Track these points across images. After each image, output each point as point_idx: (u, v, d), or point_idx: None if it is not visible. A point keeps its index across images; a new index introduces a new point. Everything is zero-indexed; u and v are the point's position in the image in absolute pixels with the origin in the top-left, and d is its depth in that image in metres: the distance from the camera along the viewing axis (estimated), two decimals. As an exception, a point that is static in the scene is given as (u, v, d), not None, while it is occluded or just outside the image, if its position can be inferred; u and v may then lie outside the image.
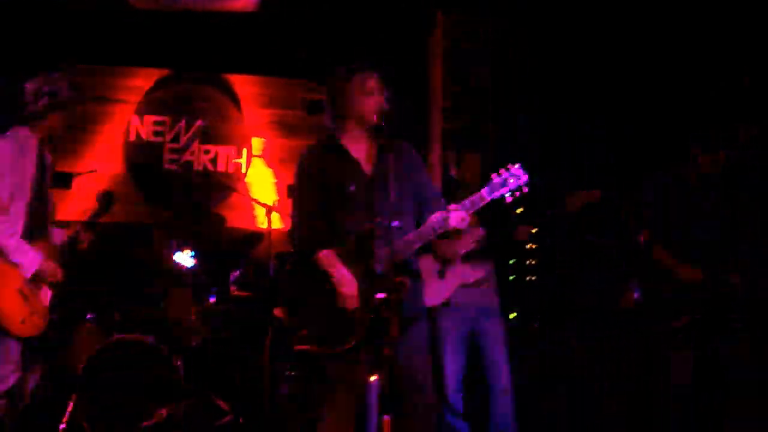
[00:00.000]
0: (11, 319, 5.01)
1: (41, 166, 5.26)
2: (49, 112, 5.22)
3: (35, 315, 5.14)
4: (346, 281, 4.61)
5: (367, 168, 4.80)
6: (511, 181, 4.65)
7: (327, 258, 4.66)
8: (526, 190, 4.68)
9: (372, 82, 4.77)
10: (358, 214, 4.69)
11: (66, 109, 5.28)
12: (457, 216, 4.63)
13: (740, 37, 7.81)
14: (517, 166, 4.70)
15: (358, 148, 4.83)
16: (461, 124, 8.62)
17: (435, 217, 4.67)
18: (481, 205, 4.69)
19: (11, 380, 5.05)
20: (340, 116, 4.84)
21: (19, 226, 5.11)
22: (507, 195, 4.68)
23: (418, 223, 4.81)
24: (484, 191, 4.67)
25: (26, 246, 5.07)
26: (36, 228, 5.20)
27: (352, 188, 4.72)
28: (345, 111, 4.82)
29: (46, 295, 5.26)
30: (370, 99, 4.74)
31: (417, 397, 4.64)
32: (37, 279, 5.16)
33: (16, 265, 5.04)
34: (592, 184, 6.35)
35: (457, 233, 4.70)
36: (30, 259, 5.08)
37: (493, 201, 4.71)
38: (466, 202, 4.69)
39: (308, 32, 8.81)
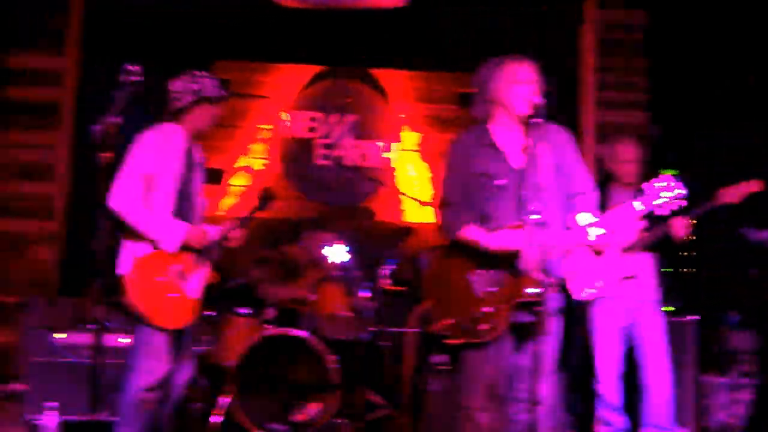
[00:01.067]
0: (157, 311, 5.04)
1: (189, 162, 5.30)
2: (194, 107, 5.26)
3: (181, 307, 5.17)
4: (502, 238, 4.46)
5: (517, 160, 4.63)
6: (665, 194, 4.34)
7: (472, 230, 4.55)
8: (682, 203, 4.38)
9: (524, 71, 4.61)
10: (506, 208, 4.55)
11: (211, 105, 5.31)
12: (602, 237, 4.46)
13: None
14: (672, 177, 4.38)
15: (509, 139, 4.67)
16: (615, 117, 8.43)
17: (579, 223, 4.51)
18: (630, 217, 4.44)
19: (159, 373, 5.09)
20: (488, 103, 4.69)
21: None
22: (658, 208, 4.39)
23: (570, 217, 4.65)
24: (635, 203, 4.41)
25: (166, 220, 5.09)
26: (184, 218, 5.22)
27: (501, 182, 4.58)
28: (495, 99, 4.67)
29: (195, 287, 5.26)
30: (522, 88, 4.57)
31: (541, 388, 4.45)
32: (182, 263, 5.18)
33: (163, 247, 5.07)
34: (752, 175, 6.05)
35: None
36: (172, 230, 5.08)
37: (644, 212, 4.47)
38: (613, 213, 4.49)
39: (459, 25, 8.69)
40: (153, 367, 5.07)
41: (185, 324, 5.19)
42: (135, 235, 5.04)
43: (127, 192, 4.98)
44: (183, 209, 5.24)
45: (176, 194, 5.18)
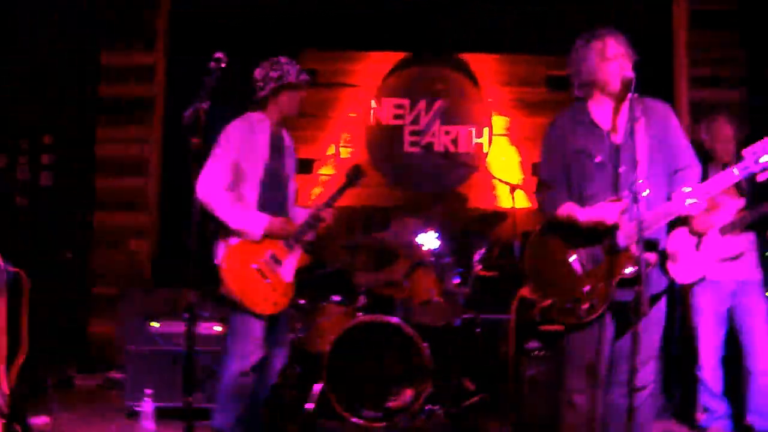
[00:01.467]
0: (251, 297, 5.10)
1: (276, 148, 5.37)
2: (277, 94, 5.31)
3: (276, 292, 5.22)
4: (596, 209, 4.41)
5: (615, 137, 4.55)
6: (766, 158, 4.24)
7: (569, 207, 4.51)
8: None
9: (612, 47, 4.51)
10: (605, 185, 4.48)
11: (294, 90, 5.35)
12: (697, 206, 4.33)
13: None
14: None
15: (606, 116, 4.60)
16: (710, 94, 8.25)
17: (679, 195, 4.37)
18: (730, 184, 4.35)
19: (254, 358, 5.13)
20: (584, 84, 4.61)
21: (251, 204, 5.23)
22: (760, 173, 4.30)
23: (670, 194, 4.53)
24: (734, 169, 4.31)
25: (248, 211, 5.16)
26: (271, 209, 5.27)
27: (599, 159, 4.51)
28: (587, 79, 4.58)
29: (289, 271, 5.31)
30: (611, 64, 4.49)
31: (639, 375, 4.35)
32: (275, 248, 5.24)
33: (247, 237, 5.15)
34: None
35: (713, 205, 4.38)
36: (254, 221, 5.15)
37: (744, 179, 4.40)
38: (712, 181, 4.35)
39: (547, 7, 8.60)
40: (249, 352, 5.12)
41: (280, 309, 5.24)
42: (223, 224, 5.14)
43: (212, 182, 5.06)
44: (273, 195, 5.31)
45: (264, 182, 5.25)
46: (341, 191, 5.48)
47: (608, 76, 4.49)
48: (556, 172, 4.63)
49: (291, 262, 5.33)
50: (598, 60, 4.51)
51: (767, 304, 6.14)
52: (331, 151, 8.59)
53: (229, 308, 5.19)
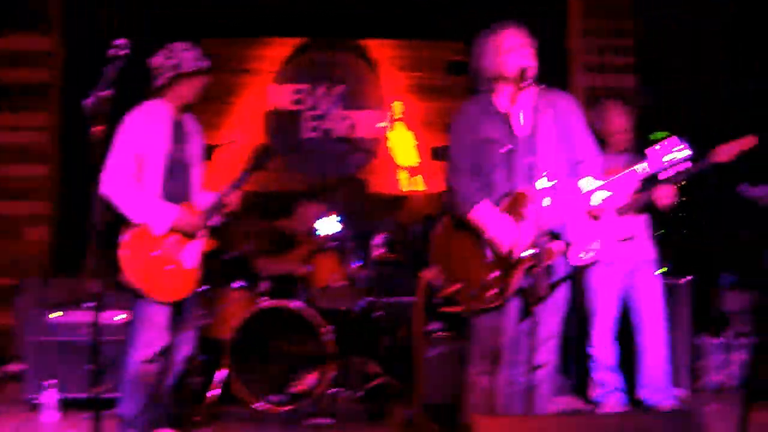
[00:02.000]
0: (152, 284, 5.07)
1: (178, 135, 5.32)
2: (175, 82, 5.24)
3: (178, 279, 5.19)
4: (505, 230, 4.55)
5: (522, 127, 4.68)
6: (668, 157, 4.41)
7: (483, 211, 4.60)
8: (688, 164, 4.44)
9: (509, 39, 4.65)
10: (513, 175, 4.61)
11: (192, 78, 5.27)
12: (605, 199, 4.52)
13: None
14: (677, 140, 4.43)
15: (511, 107, 4.72)
16: (603, 81, 8.44)
17: (583, 188, 4.55)
18: (633, 180, 4.50)
19: (157, 345, 5.11)
20: (488, 79, 4.74)
21: (155, 194, 5.18)
22: (662, 172, 4.47)
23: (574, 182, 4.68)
24: (638, 167, 4.46)
25: (156, 204, 5.12)
26: (175, 197, 5.23)
27: (505, 149, 4.62)
28: (490, 73, 4.72)
29: (192, 257, 5.28)
30: (509, 56, 4.62)
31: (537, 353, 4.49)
32: (177, 234, 5.21)
33: (149, 227, 5.11)
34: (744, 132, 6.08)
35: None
36: (159, 216, 5.11)
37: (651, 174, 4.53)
38: (617, 179, 4.52)
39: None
40: (152, 339, 5.10)
41: (184, 295, 5.21)
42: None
43: (114, 177, 5.01)
44: (176, 183, 5.27)
45: (166, 170, 5.21)
46: (248, 173, 5.46)
47: (506, 67, 4.62)
48: (465, 162, 4.72)
49: (195, 248, 5.30)
50: (496, 53, 4.65)
51: (660, 284, 6.33)
52: (230, 137, 8.57)
53: (131, 296, 5.12)
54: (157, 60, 5.23)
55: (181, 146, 5.33)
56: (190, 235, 5.25)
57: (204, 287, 6.46)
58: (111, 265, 5.00)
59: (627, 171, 4.50)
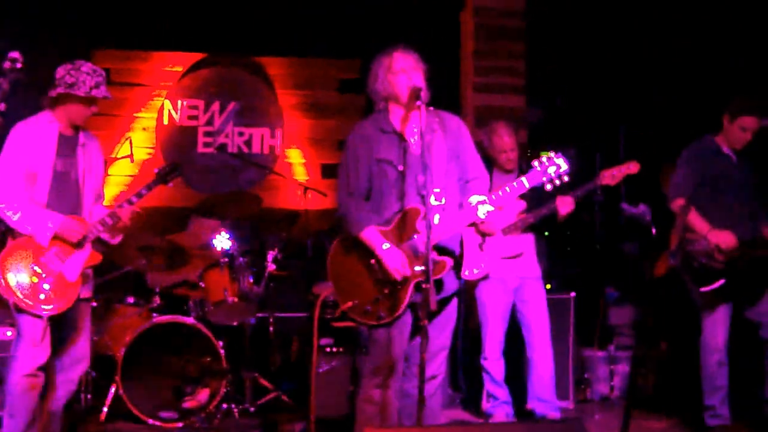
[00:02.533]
0: (27, 296, 5.01)
1: (66, 149, 5.29)
2: (65, 100, 5.22)
3: (55, 292, 5.10)
4: (393, 256, 4.67)
5: (413, 146, 4.81)
6: (552, 169, 4.68)
7: (372, 235, 4.72)
8: (566, 179, 4.72)
9: (399, 61, 4.82)
10: (405, 192, 4.74)
11: (81, 103, 5.23)
12: (491, 213, 4.70)
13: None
14: (558, 154, 4.72)
15: (404, 127, 4.86)
16: (493, 99, 8.60)
17: (473, 204, 4.70)
18: (520, 192, 4.74)
19: (39, 360, 5.06)
20: (382, 98, 4.90)
21: (39, 205, 5.15)
22: (547, 184, 4.72)
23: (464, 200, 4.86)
24: (524, 179, 4.70)
25: (38, 214, 5.07)
26: (61, 210, 5.17)
27: (400, 167, 4.76)
28: (382, 94, 4.88)
29: (73, 270, 5.19)
30: (399, 77, 4.78)
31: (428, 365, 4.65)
32: (61, 243, 5.14)
33: (31, 238, 5.07)
34: (628, 156, 6.36)
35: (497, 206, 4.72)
36: (43, 225, 5.06)
37: (532, 188, 4.76)
38: (504, 190, 4.72)
39: (341, 12, 8.78)
40: (34, 354, 5.03)
41: (60, 310, 5.11)
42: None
43: (1, 190, 5.03)
44: (63, 196, 5.24)
45: (53, 183, 5.19)
46: (149, 188, 5.45)
47: (397, 89, 4.78)
48: (359, 182, 4.85)
49: (77, 261, 5.22)
50: (387, 74, 4.81)
51: (545, 297, 6.53)
52: (125, 151, 8.46)
53: (13, 309, 5.04)
54: (60, 71, 5.20)
55: (68, 160, 5.30)
56: (74, 245, 5.18)
57: (95, 303, 6.49)
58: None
59: (512, 184, 4.70)
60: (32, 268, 5.06)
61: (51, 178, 5.18)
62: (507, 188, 4.71)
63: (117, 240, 5.51)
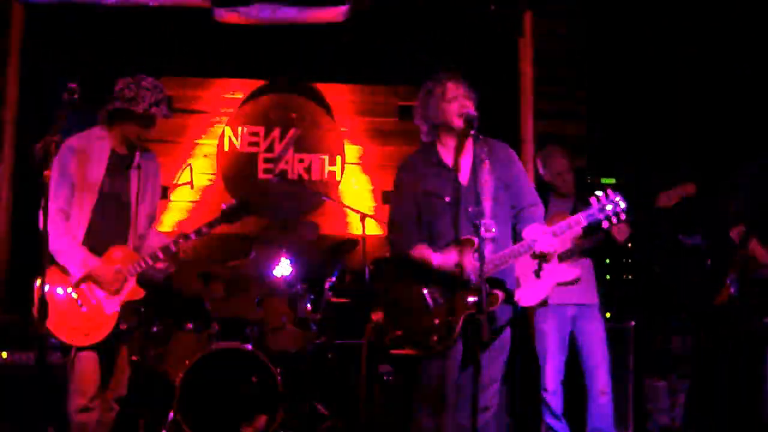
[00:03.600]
0: (61, 325, 4.90)
1: (117, 168, 5.14)
2: (122, 115, 5.06)
3: (90, 322, 4.98)
4: (448, 257, 4.67)
5: (462, 177, 4.84)
6: (609, 207, 4.66)
7: (423, 251, 4.73)
8: (623, 216, 4.69)
9: (452, 89, 4.82)
10: (457, 224, 4.74)
11: (140, 120, 5.06)
12: (545, 242, 4.68)
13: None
14: (616, 192, 4.69)
15: (453, 156, 4.88)
16: (553, 125, 8.57)
17: (528, 235, 4.72)
18: (577, 229, 4.74)
19: (90, 392, 4.97)
20: (432, 126, 4.91)
21: (81, 229, 5.02)
22: (604, 221, 4.69)
23: (515, 231, 4.87)
24: (582, 216, 4.70)
25: (77, 250, 4.95)
26: (107, 233, 5.08)
27: (448, 199, 4.77)
28: (433, 122, 4.88)
29: (112, 303, 5.03)
30: (452, 105, 4.78)
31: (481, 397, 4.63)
32: (89, 283, 5.02)
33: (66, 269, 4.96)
34: (685, 179, 6.28)
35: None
36: (76, 262, 4.94)
37: (589, 224, 4.74)
38: (562, 224, 4.72)
39: (400, 39, 8.81)
40: (82, 388, 4.95)
41: (94, 341, 4.96)
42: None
43: (49, 216, 4.71)
44: (110, 219, 5.10)
45: (99, 204, 5.04)
46: (210, 226, 5.22)
47: (450, 116, 4.78)
48: (408, 211, 4.86)
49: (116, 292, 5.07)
50: (439, 102, 4.80)
51: (603, 328, 6.45)
52: (186, 177, 8.56)
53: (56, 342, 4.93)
54: (119, 84, 5.05)
55: (119, 181, 5.15)
56: (109, 291, 5.03)
57: (156, 328, 6.54)
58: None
59: (569, 219, 4.70)
60: (70, 294, 4.98)
61: (97, 199, 5.03)
62: (564, 223, 4.70)
63: (170, 270, 5.33)
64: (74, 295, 4.98)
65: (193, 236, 5.16)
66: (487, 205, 4.62)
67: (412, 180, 4.89)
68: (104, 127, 5.13)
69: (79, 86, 4.37)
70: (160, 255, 5.10)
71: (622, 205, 4.65)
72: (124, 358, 5.28)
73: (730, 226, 6.15)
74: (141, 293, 5.14)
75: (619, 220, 4.68)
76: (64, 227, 4.94)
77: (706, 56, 8.58)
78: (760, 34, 8.13)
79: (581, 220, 4.67)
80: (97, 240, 5.05)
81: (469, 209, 4.62)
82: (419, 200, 4.84)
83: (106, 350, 5.04)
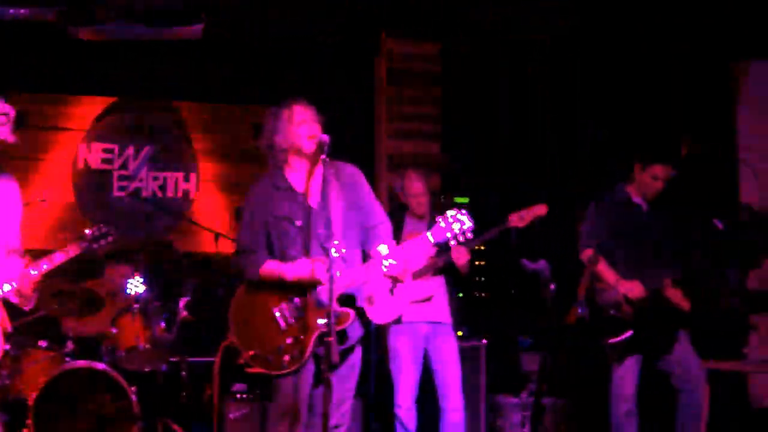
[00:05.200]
0: None
1: None
2: None
3: None
4: (301, 265, 4.78)
5: (311, 199, 4.94)
6: (456, 226, 4.73)
7: (272, 265, 4.87)
8: (470, 236, 4.79)
9: (299, 113, 4.92)
10: (307, 246, 4.86)
11: None
12: (395, 267, 4.81)
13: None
14: (463, 212, 4.78)
15: (302, 180, 4.98)
16: (407, 147, 8.77)
17: (377, 255, 4.84)
18: (425, 247, 4.84)
19: None
20: (280, 151, 4.97)
21: None
22: (451, 240, 4.79)
23: (364, 253, 5.02)
24: (429, 234, 4.77)
25: None
26: None
27: (299, 223, 4.89)
28: (282, 145, 4.94)
29: None
30: (301, 128, 4.88)
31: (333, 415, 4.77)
32: None
33: None
34: (537, 200, 6.52)
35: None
36: None
37: (437, 243, 4.85)
38: (410, 243, 4.86)
39: (254, 58, 8.93)
40: None
41: None
42: None
43: None
44: None
45: None
46: (67, 255, 5.11)
47: (299, 140, 4.88)
48: (257, 236, 4.96)
49: None
50: (287, 126, 4.89)
51: (456, 345, 6.63)
52: (40, 194, 8.46)
53: None
54: None
55: None
56: None
57: (7, 346, 6.47)
58: None
59: (418, 238, 4.83)
60: None
61: None
62: (412, 242, 4.82)
63: (30, 305, 5.23)
64: None
65: (46, 266, 5.01)
66: (336, 226, 4.72)
67: (262, 205, 4.97)
68: None
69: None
70: (13, 298, 4.98)
71: (468, 224, 4.73)
72: None
73: (581, 250, 6.35)
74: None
75: (465, 238, 4.78)
76: None
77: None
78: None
79: (429, 238, 4.76)
80: None
81: (319, 231, 4.79)
82: (270, 225, 4.93)
83: None
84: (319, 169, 4.89)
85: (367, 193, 5.12)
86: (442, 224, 4.76)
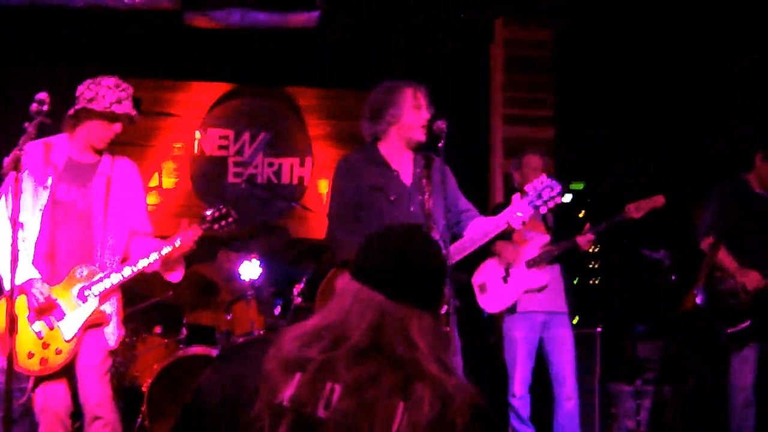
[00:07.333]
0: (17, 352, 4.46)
1: (76, 177, 4.83)
2: (84, 118, 4.77)
3: (46, 350, 4.67)
4: None
5: (405, 178, 4.86)
6: (545, 192, 4.72)
7: None
8: (559, 200, 4.77)
9: (421, 97, 4.83)
10: (397, 221, 4.70)
11: (102, 120, 4.75)
12: (518, 212, 4.72)
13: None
14: (549, 177, 4.79)
15: (398, 159, 4.89)
16: (522, 132, 8.63)
17: (514, 200, 4.80)
18: (525, 217, 4.75)
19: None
20: (387, 123, 4.85)
21: (31, 238, 4.71)
22: (541, 206, 4.76)
23: (454, 236, 4.87)
24: (524, 203, 4.74)
25: (7, 266, 4.32)
26: (65, 245, 4.77)
27: (392, 197, 4.78)
28: (391, 120, 4.84)
29: (71, 328, 4.70)
30: (418, 113, 4.80)
31: None
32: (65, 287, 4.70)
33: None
34: (654, 191, 6.34)
35: (521, 239, 4.75)
36: (6, 278, 4.44)
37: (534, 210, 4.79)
38: (508, 209, 4.79)
39: (369, 44, 8.86)
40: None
41: (50, 370, 4.66)
42: None
43: None
44: (68, 230, 4.78)
45: (51, 214, 4.73)
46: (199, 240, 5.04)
47: (413, 124, 4.78)
48: (347, 206, 4.82)
49: (77, 317, 4.71)
50: (408, 106, 4.78)
51: (572, 334, 6.48)
52: (155, 181, 8.56)
53: None
54: (80, 88, 4.75)
55: (76, 188, 4.82)
56: (78, 298, 4.72)
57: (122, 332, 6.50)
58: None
59: (514, 202, 4.79)
60: (26, 317, 4.66)
61: (49, 207, 4.70)
62: (511, 206, 4.77)
63: (179, 274, 5.12)
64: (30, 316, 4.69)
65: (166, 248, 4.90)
66: (428, 206, 4.69)
67: (355, 175, 4.85)
68: (66, 134, 4.85)
69: (47, 96, 4.25)
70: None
71: (557, 188, 4.72)
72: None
73: (701, 238, 6.29)
74: (102, 318, 4.83)
75: (556, 203, 4.77)
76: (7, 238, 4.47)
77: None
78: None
79: (526, 207, 4.72)
80: (50, 246, 4.80)
81: (412, 209, 4.70)
82: (362, 195, 4.79)
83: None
84: (410, 153, 4.85)
85: (455, 185, 5.04)
86: (533, 192, 4.75)
